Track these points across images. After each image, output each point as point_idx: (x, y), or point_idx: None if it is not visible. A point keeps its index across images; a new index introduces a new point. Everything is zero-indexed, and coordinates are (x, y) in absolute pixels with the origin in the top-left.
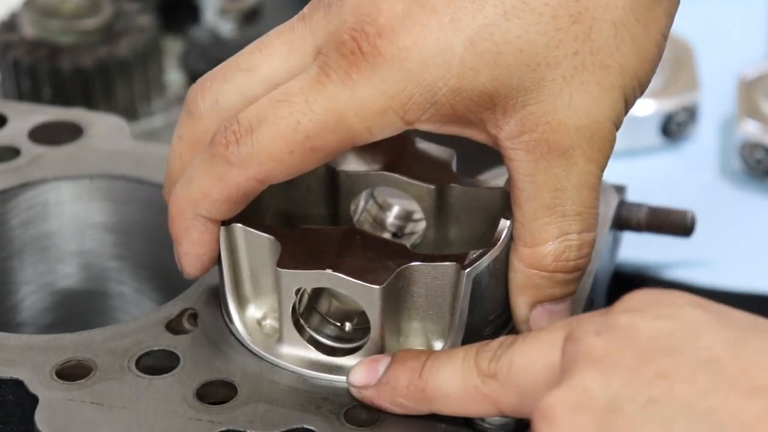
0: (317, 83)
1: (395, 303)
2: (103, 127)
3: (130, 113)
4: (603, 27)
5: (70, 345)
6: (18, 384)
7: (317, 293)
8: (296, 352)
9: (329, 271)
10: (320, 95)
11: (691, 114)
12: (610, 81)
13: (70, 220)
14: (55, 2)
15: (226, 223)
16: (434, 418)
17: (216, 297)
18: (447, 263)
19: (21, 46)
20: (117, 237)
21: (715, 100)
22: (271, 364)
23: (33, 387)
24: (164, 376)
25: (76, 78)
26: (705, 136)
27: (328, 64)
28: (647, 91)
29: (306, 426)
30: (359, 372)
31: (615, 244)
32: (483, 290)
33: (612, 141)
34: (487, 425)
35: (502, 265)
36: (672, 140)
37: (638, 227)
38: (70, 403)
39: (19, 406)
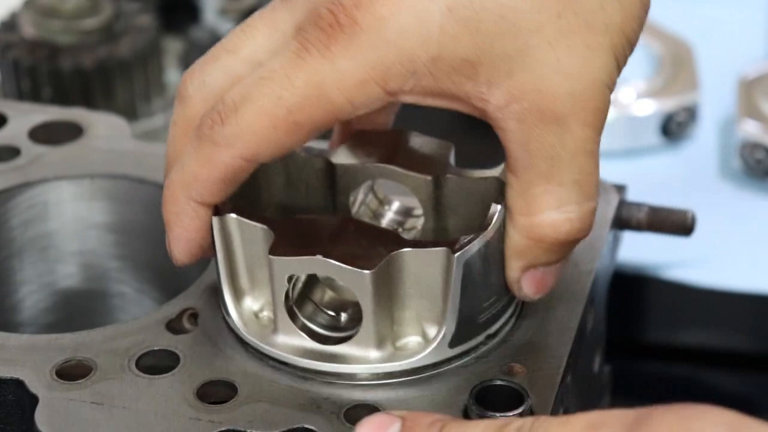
0: (297, 58)
1: (387, 290)
2: (103, 127)
3: (130, 113)
4: None
5: (70, 345)
6: (18, 384)
7: (311, 283)
8: (290, 341)
9: (320, 257)
10: (300, 70)
11: (691, 114)
12: (598, 41)
13: (70, 219)
14: (55, 2)
15: (220, 213)
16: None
17: (216, 297)
18: (437, 248)
19: (21, 46)
20: (117, 237)
21: (715, 100)
22: (268, 356)
23: (33, 387)
24: (164, 375)
25: (76, 78)
26: (705, 136)
27: (307, 39)
28: (647, 91)
29: (306, 426)
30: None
31: (615, 243)
32: (475, 275)
33: (606, 103)
34: None
35: (495, 249)
36: (672, 140)
37: (638, 227)
38: (71, 402)
39: (19, 405)
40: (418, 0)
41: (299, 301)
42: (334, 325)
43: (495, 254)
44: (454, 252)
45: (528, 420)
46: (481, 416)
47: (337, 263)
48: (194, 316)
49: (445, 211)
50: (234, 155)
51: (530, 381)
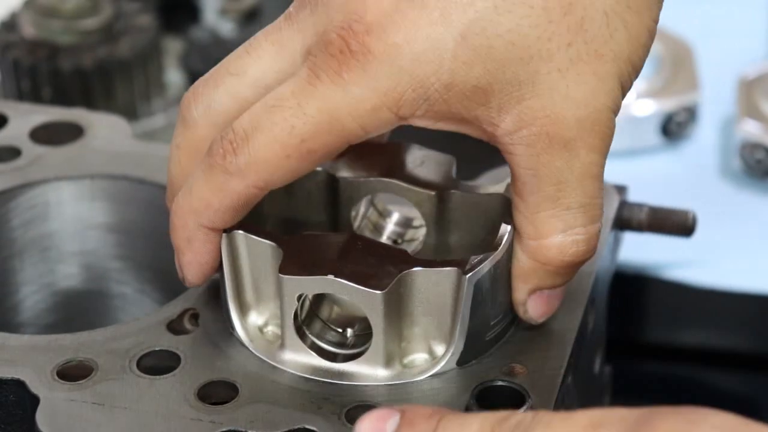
0: (308, 85)
1: (397, 308)
2: (103, 127)
3: (130, 113)
4: (595, 17)
5: (71, 345)
6: (19, 384)
7: (318, 299)
8: (298, 359)
9: (331, 276)
10: (312, 97)
11: (691, 114)
12: (605, 70)
13: (71, 220)
14: (55, 2)
15: (227, 230)
16: None
17: (217, 297)
18: (448, 268)
19: (21, 46)
20: (118, 237)
21: (715, 100)
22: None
23: (34, 387)
24: (165, 376)
25: (76, 78)
26: (705, 136)
27: (317, 65)
28: (647, 91)
29: (307, 426)
30: (366, 429)
31: (616, 244)
32: (484, 295)
33: (612, 129)
34: None
35: (504, 269)
36: (672, 140)
37: (639, 227)
38: (71, 403)
39: (20, 406)
40: (431, 27)
41: (307, 319)
42: (341, 342)
43: (503, 274)
44: (465, 273)
45: (528, 414)
46: None
47: (349, 283)
48: (195, 317)
49: (448, 225)
50: (248, 184)
51: (531, 381)
